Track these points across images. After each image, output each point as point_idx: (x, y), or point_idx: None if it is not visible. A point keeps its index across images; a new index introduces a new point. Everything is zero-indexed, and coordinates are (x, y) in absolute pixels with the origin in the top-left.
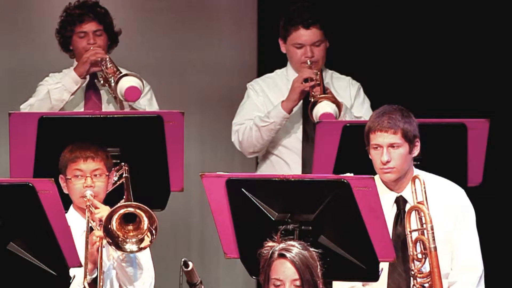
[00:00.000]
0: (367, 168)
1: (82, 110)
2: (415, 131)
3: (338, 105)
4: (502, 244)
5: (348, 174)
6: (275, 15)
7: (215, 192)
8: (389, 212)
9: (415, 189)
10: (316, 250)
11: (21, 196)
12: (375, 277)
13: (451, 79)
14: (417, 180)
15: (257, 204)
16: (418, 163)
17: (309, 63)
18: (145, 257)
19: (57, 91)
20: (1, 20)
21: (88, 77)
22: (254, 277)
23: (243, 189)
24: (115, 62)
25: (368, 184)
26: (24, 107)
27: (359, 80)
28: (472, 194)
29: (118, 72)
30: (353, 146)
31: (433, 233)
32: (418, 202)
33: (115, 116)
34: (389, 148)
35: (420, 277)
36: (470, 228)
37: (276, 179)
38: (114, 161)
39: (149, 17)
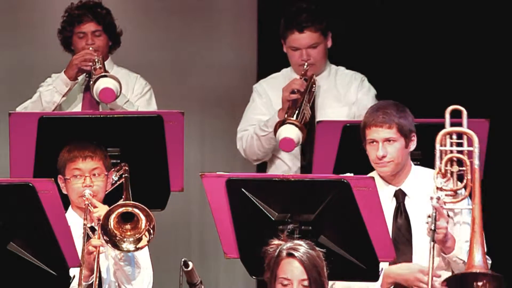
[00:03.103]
0: (367, 168)
1: (80, 109)
2: (410, 126)
3: (303, 130)
4: (502, 244)
5: (348, 174)
6: (275, 15)
7: (215, 192)
8: (389, 205)
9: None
10: (322, 250)
11: (21, 196)
12: (375, 277)
13: (451, 79)
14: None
15: (257, 204)
16: (418, 163)
17: (305, 66)
18: (143, 256)
19: (48, 93)
20: (2, 19)
21: (83, 77)
22: (254, 277)
23: (243, 189)
24: (115, 61)
25: (368, 184)
26: (19, 110)
27: None
28: None
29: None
30: (353, 146)
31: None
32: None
33: (115, 116)
34: (384, 142)
35: (443, 190)
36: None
37: (276, 179)
38: (114, 161)
39: (149, 17)
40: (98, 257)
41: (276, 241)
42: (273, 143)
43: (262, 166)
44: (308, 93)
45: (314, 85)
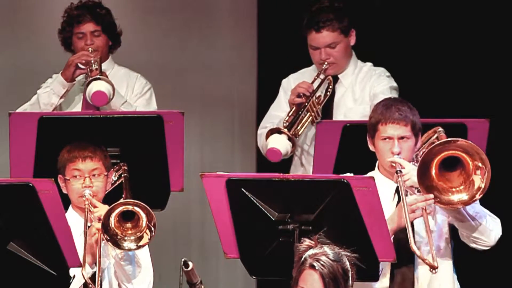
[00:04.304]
0: (367, 168)
1: (80, 109)
2: (420, 124)
3: (294, 141)
4: (502, 244)
5: (348, 174)
6: (275, 15)
7: (215, 192)
8: (390, 202)
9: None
10: (352, 255)
11: (21, 196)
12: (375, 277)
13: (452, 79)
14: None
15: (257, 204)
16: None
17: (325, 65)
18: (144, 255)
19: (46, 95)
20: (2, 20)
21: (83, 78)
22: (254, 277)
23: (243, 189)
24: (116, 61)
25: (368, 184)
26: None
27: None
28: None
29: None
30: (353, 146)
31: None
32: None
33: (115, 116)
34: (399, 140)
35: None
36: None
37: (276, 179)
38: (114, 161)
39: (150, 17)
40: (100, 240)
41: (307, 241)
42: None
43: (262, 166)
44: (324, 94)
45: (330, 86)
